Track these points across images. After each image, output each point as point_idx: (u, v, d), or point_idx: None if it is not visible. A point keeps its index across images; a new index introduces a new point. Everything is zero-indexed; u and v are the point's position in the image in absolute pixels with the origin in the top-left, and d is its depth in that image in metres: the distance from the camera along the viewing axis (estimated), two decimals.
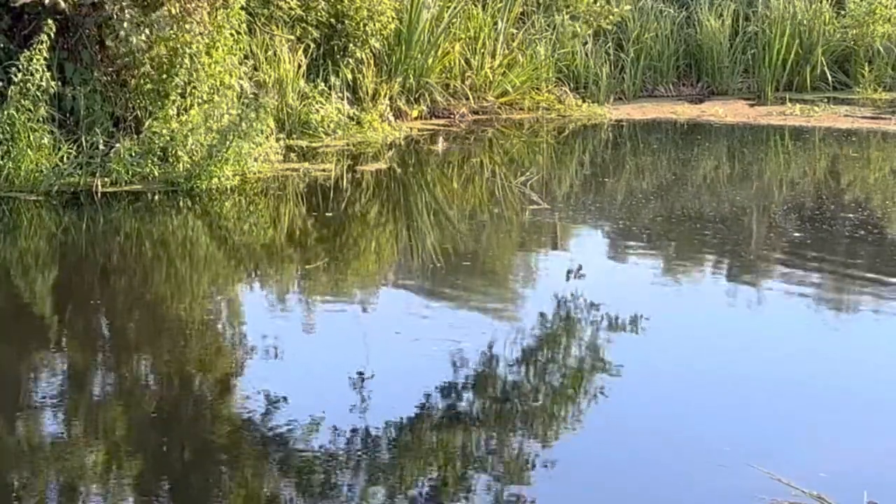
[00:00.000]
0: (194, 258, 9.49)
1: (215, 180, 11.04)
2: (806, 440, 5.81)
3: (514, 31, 17.07)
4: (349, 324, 7.63)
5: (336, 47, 14.67)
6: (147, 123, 11.42)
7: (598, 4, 18.04)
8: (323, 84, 14.26)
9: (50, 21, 11.01)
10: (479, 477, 5.36)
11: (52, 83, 11.01)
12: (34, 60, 10.88)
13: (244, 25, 12.90)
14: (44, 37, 10.94)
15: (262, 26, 14.01)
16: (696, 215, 10.92)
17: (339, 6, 14.55)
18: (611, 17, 17.99)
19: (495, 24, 16.72)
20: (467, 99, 16.17)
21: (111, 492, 5.18)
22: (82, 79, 11.59)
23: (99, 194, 10.79)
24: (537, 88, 16.87)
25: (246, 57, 13.13)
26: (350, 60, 14.66)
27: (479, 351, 6.98)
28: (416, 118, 15.53)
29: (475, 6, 16.69)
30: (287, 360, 6.98)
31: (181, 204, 10.76)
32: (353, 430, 5.81)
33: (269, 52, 13.97)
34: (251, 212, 10.82)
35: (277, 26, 14.19)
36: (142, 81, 11.72)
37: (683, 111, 17.07)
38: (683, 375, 6.73)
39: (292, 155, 12.67)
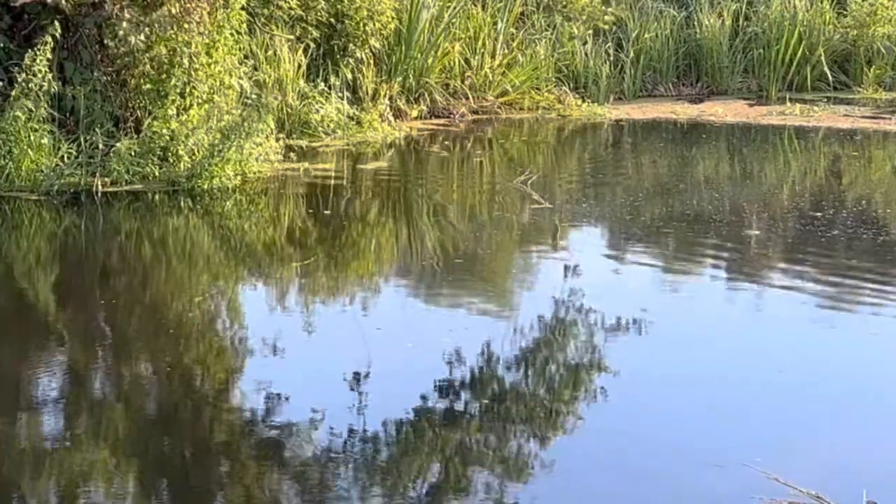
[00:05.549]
0: (195, 258, 9.50)
1: (216, 180, 11.04)
2: (805, 440, 5.82)
3: (514, 31, 17.08)
4: (348, 323, 7.63)
5: (336, 47, 14.67)
6: (147, 123, 11.42)
7: (592, 4, 18.03)
8: (323, 84, 14.27)
9: (56, 22, 11.04)
10: (475, 478, 5.36)
11: (54, 83, 11.03)
12: (38, 60, 10.90)
13: (244, 25, 12.90)
14: (48, 37, 10.96)
15: (262, 26, 14.02)
16: (696, 215, 10.93)
17: (339, 6, 14.56)
18: (606, 17, 18.01)
19: (495, 24, 16.73)
20: (467, 99, 16.18)
21: (111, 491, 5.19)
22: (82, 78, 11.60)
23: (99, 194, 10.80)
24: (537, 88, 16.88)
25: (246, 57, 13.14)
26: (350, 60, 14.67)
27: (477, 351, 6.99)
28: (415, 118, 15.54)
29: (475, 6, 16.70)
30: (285, 359, 6.99)
31: (182, 204, 10.77)
32: (351, 430, 5.82)
33: (269, 52, 13.98)
34: (251, 211, 10.83)
35: (277, 26, 14.20)
36: (141, 81, 11.73)
37: (683, 111, 17.08)
38: (682, 376, 6.74)
39: (292, 155, 12.67)
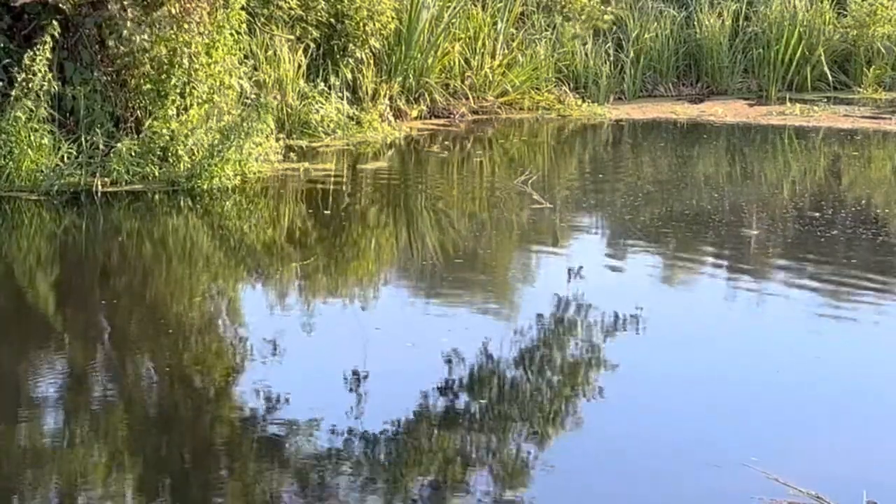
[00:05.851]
0: (194, 258, 9.50)
1: (216, 180, 11.04)
2: (804, 440, 5.82)
3: (514, 31, 17.08)
4: (347, 323, 7.63)
5: (336, 47, 14.68)
6: (147, 123, 11.43)
7: (591, 3, 18.03)
8: (323, 84, 14.27)
9: (56, 22, 11.05)
10: (475, 478, 5.36)
11: (54, 83, 11.04)
12: (38, 60, 10.91)
13: (244, 25, 12.90)
14: (47, 37, 10.97)
15: (262, 26, 14.02)
16: (696, 215, 10.93)
17: (339, 6, 14.56)
18: (605, 16, 18.02)
19: (495, 24, 16.73)
20: (467, 99, 16.17)
21: (111, 491, 5.19)
22: (82, 78, 11.60)
23: (99, 194, 10.80)
24: (537, 88, 16.88)
25: (246, 57, 13.14)
26: (350, 60, 14.67)
27: (477, 351, 6.99)
28: (415, 118, 15.54)
29: (475, 6, 16.70)
30: (285, 359, 6.99)
31: (181, 204, 10.77)
32: (351, 430, 5.82)
33: (269, 52, 13.99)
34: (251, 211, 10.83)
35: (277, 26, 14.20)
36: (141, 81, 11.73)
37: (683, 111, 17.08)
38: (681, 376, 6.74)
39: (292, 155, 12.67)
